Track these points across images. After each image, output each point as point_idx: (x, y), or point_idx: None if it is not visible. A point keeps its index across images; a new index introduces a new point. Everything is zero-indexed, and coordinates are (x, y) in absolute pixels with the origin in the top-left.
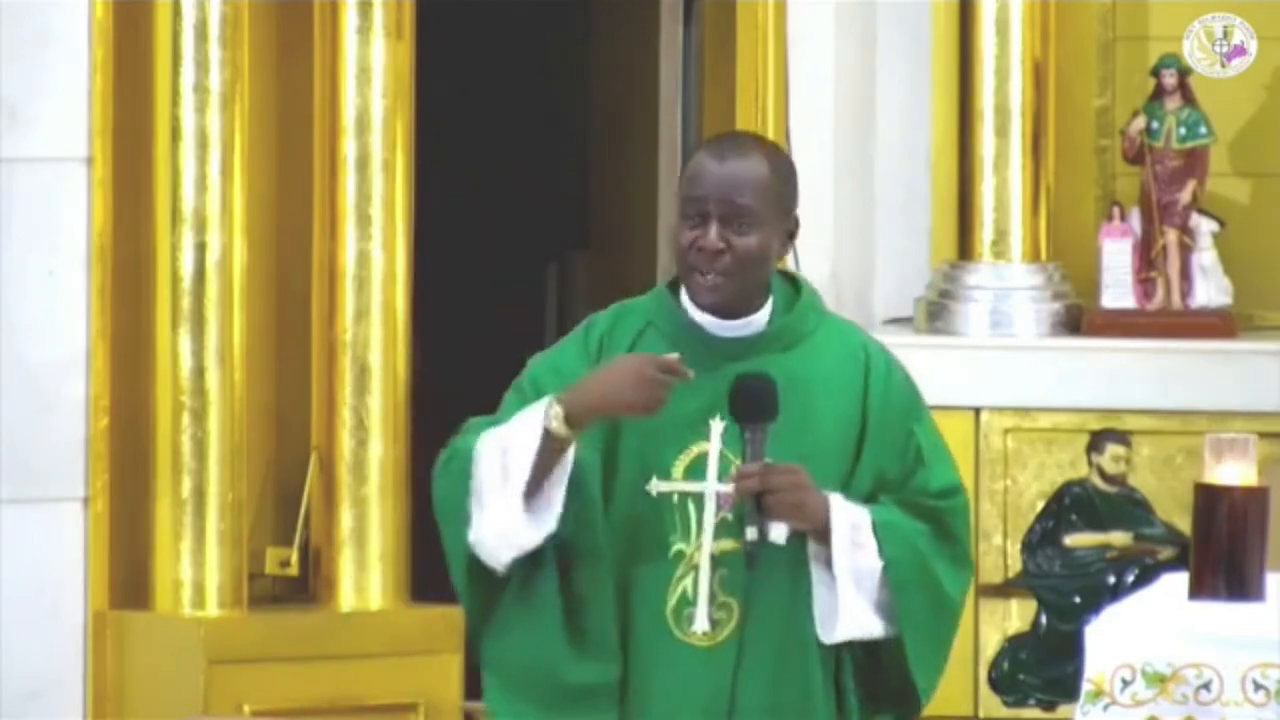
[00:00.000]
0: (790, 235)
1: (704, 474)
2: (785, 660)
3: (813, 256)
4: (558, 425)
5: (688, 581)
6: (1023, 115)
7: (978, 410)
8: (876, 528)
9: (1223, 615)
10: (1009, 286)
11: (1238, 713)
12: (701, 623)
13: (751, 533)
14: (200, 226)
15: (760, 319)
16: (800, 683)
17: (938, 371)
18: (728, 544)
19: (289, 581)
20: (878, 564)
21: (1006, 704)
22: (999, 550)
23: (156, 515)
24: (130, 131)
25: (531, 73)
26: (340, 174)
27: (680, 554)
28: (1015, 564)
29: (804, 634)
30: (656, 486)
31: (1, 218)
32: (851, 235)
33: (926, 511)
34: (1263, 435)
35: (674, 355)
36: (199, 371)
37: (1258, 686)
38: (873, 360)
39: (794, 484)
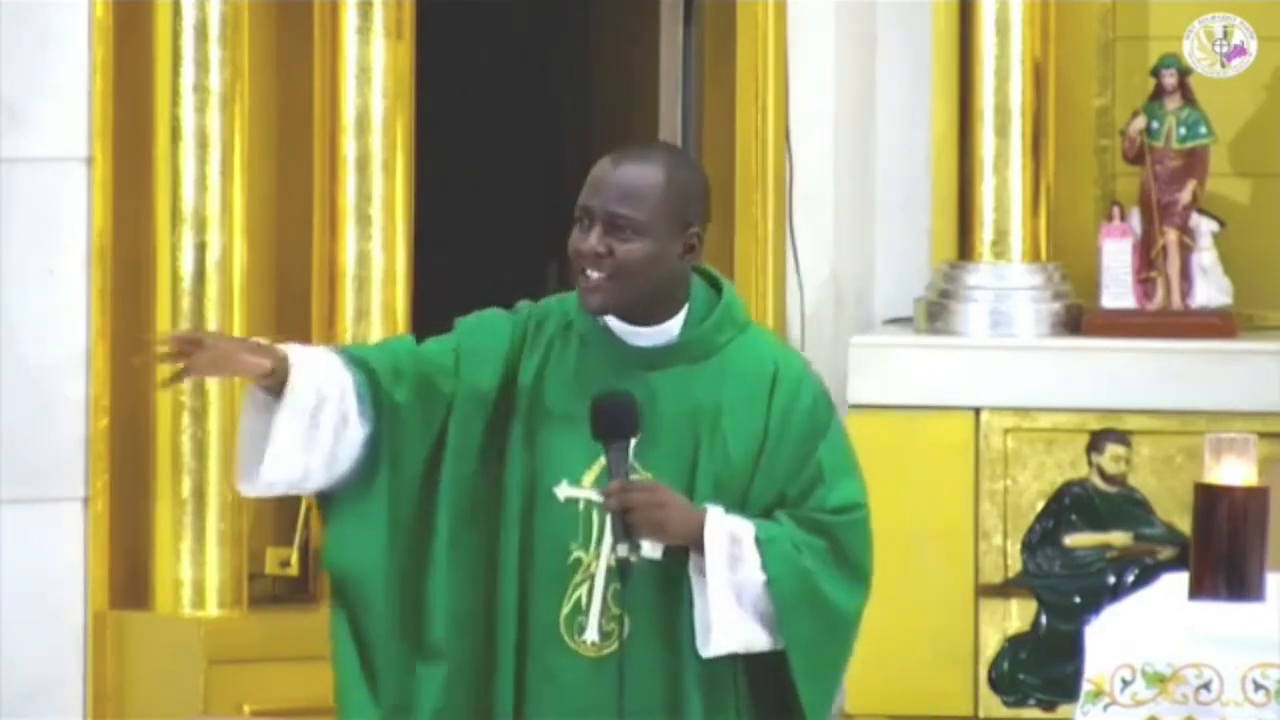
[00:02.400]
0: (690, 248)
1: (607, 483)
2: (665, 673)
3: (813, 256)
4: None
5: (583, 590)
6: (1023, 115)
7: (978, 410)
8: (760, 543)
9: (1223, 615)
10: (1009, 286)
11: (1238, 713)
12: (592, 633)
13: (621, 549)
14: (200, 226)
15: (672, 328)
16: (679, 695)
17: (938, 371)
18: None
19: (289, 581)
20: (760, 577)
21: (1006, 704)
22: (999, 550)
23: (156, 515)
24: (130, 131)
25: (531, 73)
26: (340, 174)
27: (578, 562)
28: (1015, 564)
29: (682, 647)
30: (564, 491)
31: (1, 218)
32: (851, 235)
33: (821, 527)
34: (1263, 435)
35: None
36: None
37: (1258, 686)
38: (781, 378)
39: (650, 501)
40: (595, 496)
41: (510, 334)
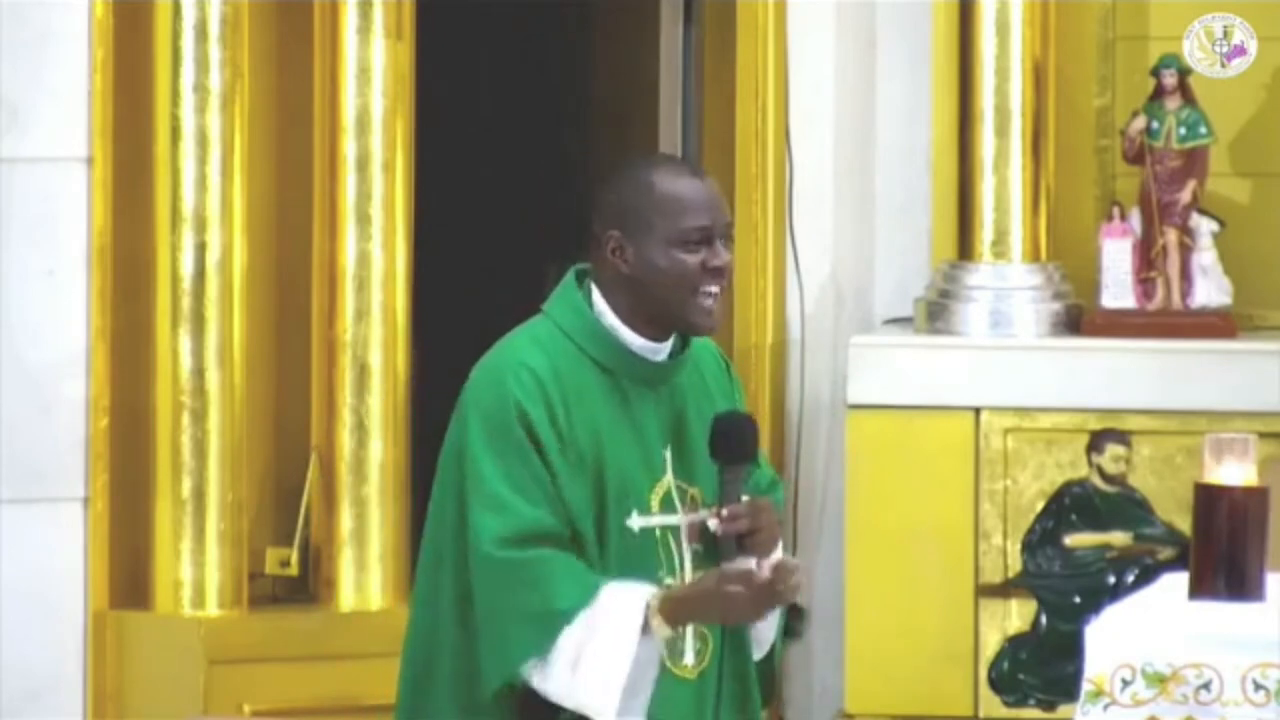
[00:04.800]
0: None
1: (674, 506)
2: (742, 685)
3: (813, 256)
4: (664, 634)
5: None
6: (1023, 115)
7: (978, 410)
8: None
9: (1223, 615)
10: (1009, 286)
11: (1238, 713)
12: (689, 655)
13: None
14: (200, 226)
15: (670, 342)
16: (747, 696)
17: (938, 371)
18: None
19: (289, 581)
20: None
21: (1006, 704)
22: (999, 550)
23: (156, 515)
24: (130, 131)
25: (531, 73)
26: (340, 174)
27: (670, 588)
28: (1015, 564)
29: (745, 650)
30: (637, 522)
31: (1, 218)
32: (851, 235)
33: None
34: (1263, 435)
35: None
36: (199, 371)
37: (1258, 686)
38: (728, 363)
39: (774, 520)
40: (666, 521)
41: (554, 419)
